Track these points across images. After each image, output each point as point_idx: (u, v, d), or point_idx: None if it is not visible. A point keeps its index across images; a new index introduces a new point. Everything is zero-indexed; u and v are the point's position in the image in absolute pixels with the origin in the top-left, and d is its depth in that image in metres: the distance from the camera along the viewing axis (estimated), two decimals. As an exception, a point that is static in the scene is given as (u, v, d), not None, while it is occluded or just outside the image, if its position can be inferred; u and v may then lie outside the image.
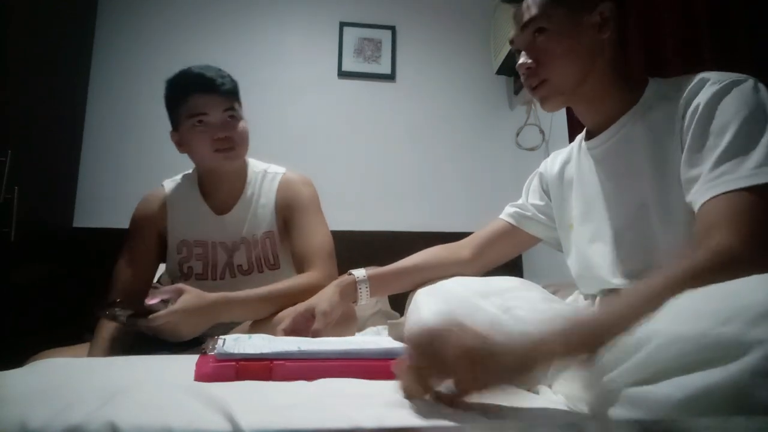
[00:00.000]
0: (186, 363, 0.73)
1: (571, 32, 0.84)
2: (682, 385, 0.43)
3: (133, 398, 0.54)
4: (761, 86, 0.74)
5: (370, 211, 2.46)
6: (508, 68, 2.49)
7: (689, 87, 0.78)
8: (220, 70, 1.28)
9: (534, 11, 0.86)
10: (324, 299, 0.99)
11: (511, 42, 0.92)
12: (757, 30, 1.09)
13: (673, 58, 1.27)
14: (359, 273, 1.04)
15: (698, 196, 0.72)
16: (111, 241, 2.10)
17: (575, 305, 0.96)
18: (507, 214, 1.12)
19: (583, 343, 0.55)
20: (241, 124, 1.29)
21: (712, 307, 0.46)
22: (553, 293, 0.97)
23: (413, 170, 2.55)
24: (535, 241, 1.11)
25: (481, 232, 1.12)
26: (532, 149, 2.23)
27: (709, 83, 0.76)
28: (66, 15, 2.12)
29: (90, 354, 1.13)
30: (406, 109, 2.59)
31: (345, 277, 1.04)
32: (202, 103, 1.23)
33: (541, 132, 2.21)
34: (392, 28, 2.63)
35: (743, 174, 0.68)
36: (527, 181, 1.15)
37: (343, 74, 2.57)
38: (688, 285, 0.54)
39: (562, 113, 1.98)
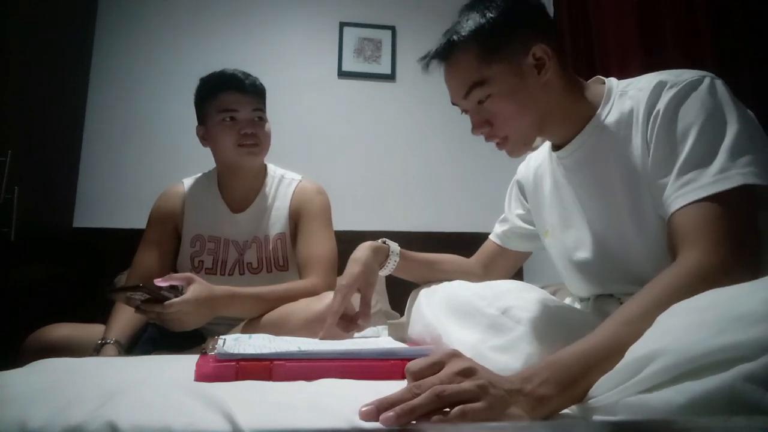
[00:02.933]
0: (186, 363, 0.73)
1: (514, 88, 0.82)
2: (680, 392, 0.43)
3: (133, 398, 0.54)
4: (718, 84, 0.73)
5: (370, 211, 2.46)
6: (508, 68, 2.49)
7: (647, 91, 0.77)
8: (251, 74, 1.36)
9: (472, 76, 0.83)
10: (358, 262, 0.98)
11: (454, 104, 0.91)
12: (757, 30, 1.09)
13: (673, 58, 1.27)
14: (394, 246, 1.05)
15: (667, 206, 0.72)
16: (111, 241, 2.12)
17: (574, 306, 0.96)
18: (494, 234, 1.15)
19: (569, 381, 0.54)
20: (267, 125, 1.36)
21: (705, 318, 0.46)
22: (552, 293, 0.97)
23: (413, 170, 2.55)
24: (528, 254, 1.15)
25: (481, 253, 1.16)
26: (531, 149, 2.23)
27: (666, 87, 0.75)
28: (66, 15, 2.11)
29: (106, 330, 1.16)
30: (406, 109, 2.59)
31: (378, 243, 1.04)
32: (233, 99, 1.30)
33: (541, 132, 2.21)
34: (392, 28, 2.63)
35: (706, 182, 0.67)
36: (507, 193, 1.15)
37: (343, 74, 2.57)
38: (664, 306, 0.55)
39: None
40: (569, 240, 0.93)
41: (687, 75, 0.75)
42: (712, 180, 0.67)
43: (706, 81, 0.74)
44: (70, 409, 0.51)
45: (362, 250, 1.00)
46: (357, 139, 2.54)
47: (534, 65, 0.82)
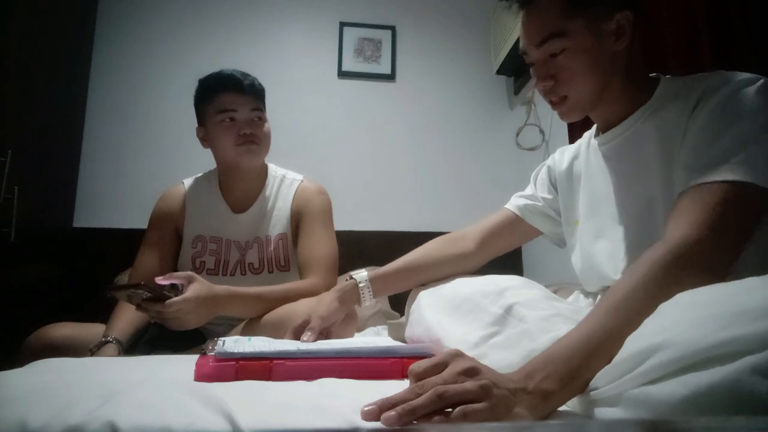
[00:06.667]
0: (186, 363, 0.73)
1: (591, 47, 0.82)
2: (684, 384, 0.43)
3: (133, 398, 0.54)
4: None
5: (370, 210, 2.46)
6: (508, 68, 2.49)
7: (701, 86, 0.78)
8: (249, 74, 1.35)
9: (552, 26, 0.82)
10: (323, 304, 0.99)
11: (523, 53, 0.89)
12: (757, 30, 1.09)
13: (673, 58, 1.27)
14: (360, 276, 1.02)
15: (681, 185, 0.73)
16: (111, 241, 2.12)
17: (576, 304, 0.96)
18: (514, 205, 1.11)
19: (567, 373, 0.54)
20: (266, 125, 1.36)
21: (710, 312, 0.47)
22: (554, 293, 0.97)
23: (413, 170, 2.55)
24: (537, 233, 1.10)
25: (486, 222, 1.10)
26: (532, 149, 2.23)
27: (720, 82, 0.76)
28: (66, 15, 2.12)
29: (106, 330, 1.16)
30: (406, 109, 2.59)
31: (346, 282, 1.02)
32: (231, 100, 1.30)
33: (541, 132, 2.21)
34: (392, 28, 2.63)
35: (724, 168, 0.68)
36: (534, 172, 1.13)
37: (343, 74, 2.57)
38: (648, 285, 0.57)
39: (562, 113, 1.98)
40: (592, 228, 0.94)
41: (744, 75, 0.76)
42: (723, 169, 0.68)
43: (762, 81, 0.74)
44: (70, 409, 0.51)
45: (326, 305, 0.98)
46: (357, 139, 2.54)
47: (613, 31, 0.82)
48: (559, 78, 0.84)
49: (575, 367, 0.55)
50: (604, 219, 0.91)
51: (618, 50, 0.83)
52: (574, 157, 1.03)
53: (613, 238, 0.88)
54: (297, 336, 0.94)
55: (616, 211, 0.89)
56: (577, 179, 1.00)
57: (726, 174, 0.67)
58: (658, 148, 0.82)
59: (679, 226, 0.67)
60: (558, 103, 0.87)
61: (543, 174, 1.11)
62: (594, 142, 0.96)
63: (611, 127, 0.90)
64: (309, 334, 0.92)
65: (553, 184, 1.08)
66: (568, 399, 0.56)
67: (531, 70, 0.89)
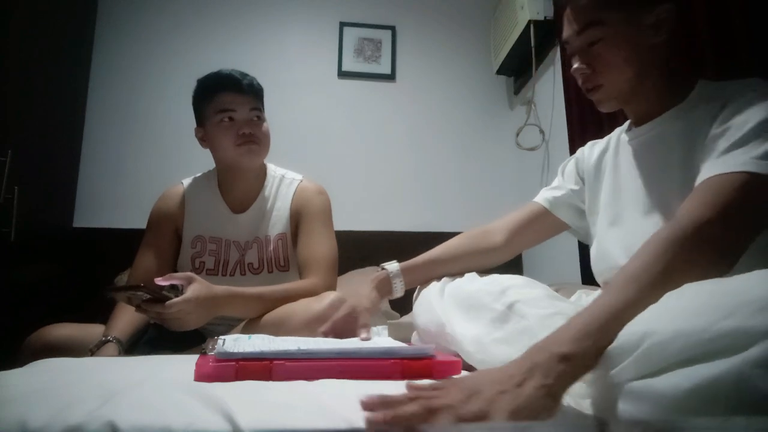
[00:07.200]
0: (186, 363, 0.73)
1: (628, 39, 0.83)
2: (687, 377, 0.43)
3: (133, 398, 0.54)
4: None
5: (370, 210, 2.46)
6: (508, 68, 2.49)
7: (730, 89, 0.79)
8: (248, 74, 1.35)
9: (591, 16, 0.85)
10: (363, 297, 0.99)
11: (565, 42, 0.92)
12: (757, 30, 1.09)
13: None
14: (392, 267, 1.03)
15: (700, 176, 0.73)
16: (111, 241, 2.12)
17: (578, 303, 0.96)
18: (542, 198, 1.11)
19: (585, 336, 0.54)
20: (265, 125, 1.35)
21: (714, 302, 0.47)
22: (555, 292, 0.97)
23: (413, 170, 2.55)
24: (563, 227, 1.10)
25: (514, 216, 1.11)
26: (532, 149, 2.23)
27: (748, 86, 0.77)
28: (66, 15, 2.12)
29: (106, 330, 1.16)
30: (406, 109, 2.60)
31: (378, 273, 1.04)
32: (230, 100, 1.29)
33: (541, 132, 2.21)
34: (392, 28, 2.64)
35: (741, 161, 0.69)
36: (562, 165, 1.14)
37: (343, 74, 2.58)
38: (659, 258, 0.58)
39: (561, 113, 1.98)
40: (608, 216, 0.95)
41: None
42: (746, 160, 0.68)
43: None
44: (70, 409, 0.51)
45: (367, 297, 0.99)
46: (357, 139, 2.55)
47: (652, 24, 0.83)
48: (595, 67, 0.86)
49: (590, 330, 0.54)
50: (621, 208, 0.92)
51: (656, 44, 0.84)
52: (604, 151, 1.04)
53: (626, 225, 0.90)
54: (336, 328, 0.95)
55: (634, 202, 0.90)
56: (604, 172, 1.02)
57: (743, 166, 0.68)
58: (683, 149, 0.82)
59: (692, 208, 0.67)
60: (593, 90, 0.89)
61: (571, 166, 1.11)
62: (624, 137, 0.98)
63: (643, 123, 0.92)
64: (365, 332, 0.93)
65: (580, 176, 1.08)
66: (590, 364, 0.54)
67: (572, 59, 0.91)
